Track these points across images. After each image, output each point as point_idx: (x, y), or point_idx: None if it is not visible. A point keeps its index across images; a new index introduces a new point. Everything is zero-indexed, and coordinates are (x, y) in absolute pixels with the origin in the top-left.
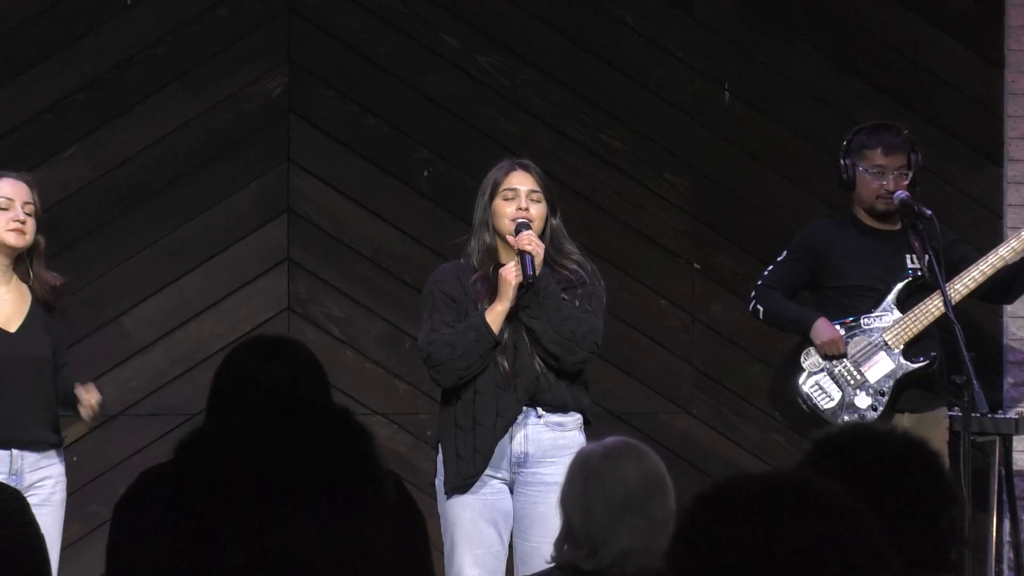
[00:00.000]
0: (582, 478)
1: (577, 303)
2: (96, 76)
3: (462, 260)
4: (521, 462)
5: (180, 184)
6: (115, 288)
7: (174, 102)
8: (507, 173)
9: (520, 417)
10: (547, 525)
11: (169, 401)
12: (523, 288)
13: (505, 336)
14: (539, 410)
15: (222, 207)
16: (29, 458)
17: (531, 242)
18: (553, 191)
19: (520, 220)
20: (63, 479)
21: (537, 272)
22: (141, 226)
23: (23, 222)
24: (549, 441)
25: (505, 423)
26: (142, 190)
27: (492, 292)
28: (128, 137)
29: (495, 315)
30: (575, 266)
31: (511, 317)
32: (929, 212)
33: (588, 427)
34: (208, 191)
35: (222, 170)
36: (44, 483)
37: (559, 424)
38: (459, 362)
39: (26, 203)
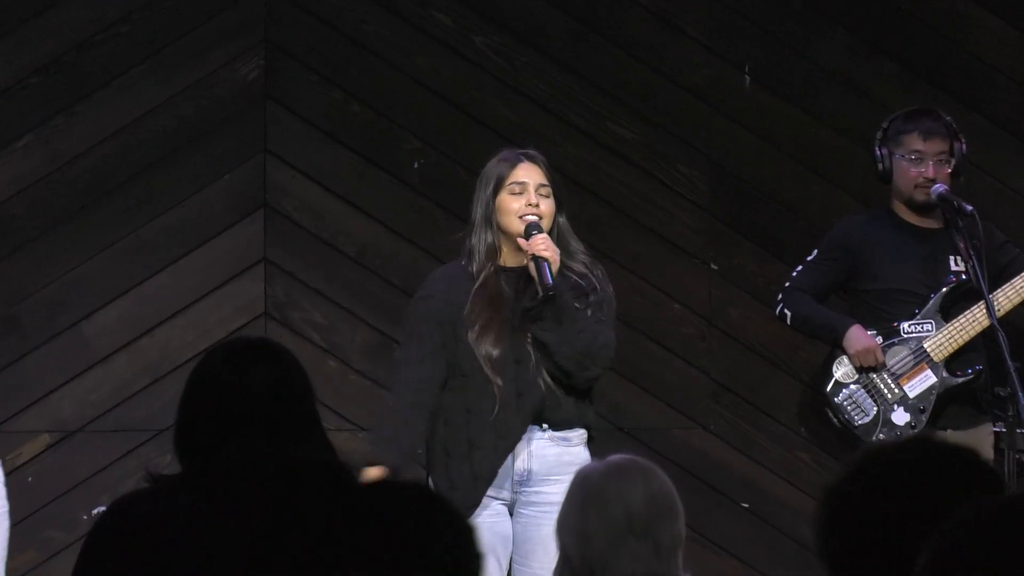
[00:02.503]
0: (580, 499)
1: (589, 312)
2: (52, 58)
3: (463, 261)
4: (524, 481)
5: (145, 177)
6: (74, 292)
7: (138, 87)
8: (514, 165)
9: (523, 434)
10: (551, 549)
11: (134, 415)
12: (542, 299)
13: (498, 354)
14: (543, 425)
15: (192, 203)
16: None
17: (547, 246)
18: (561, 186)
19: (530, 221)
20: None
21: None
22: (102, 224)
23: None
24: (554, 457)
25: (508, 445)
26: (103, 184)
27: (488, 305)
28: (88, 126)
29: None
30: (584, 269)
31: (516, 330)
32: (970, 208)
33: (592, 443)
34: (176, 185)
35: (192, 162)
36: None
37: (564, 439)
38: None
39: None
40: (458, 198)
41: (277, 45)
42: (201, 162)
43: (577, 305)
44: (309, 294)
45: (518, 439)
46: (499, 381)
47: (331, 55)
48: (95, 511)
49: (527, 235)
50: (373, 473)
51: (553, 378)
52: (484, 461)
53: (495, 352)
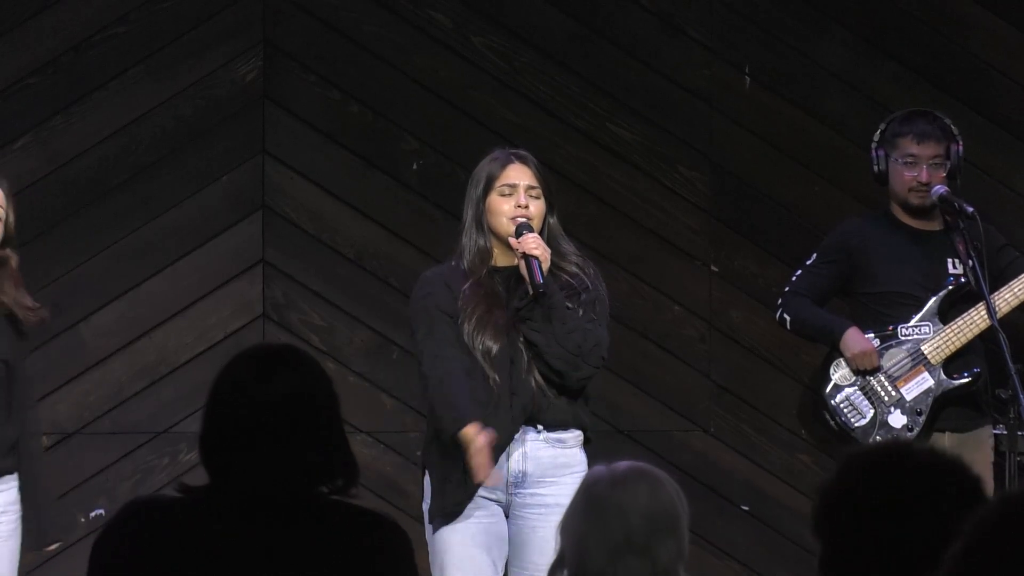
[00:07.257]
0: (583, 506)
1: (580, 311)
2: (50, 59)
3: (453, 262)
4: (519, 482)
5: (143, 178)
6: (71, 293)
7: (137, 87)
8: (503, 166)
9: (517, 434)
10: (546, 551)
11: (131, 418)
12: (532, 297)
13: (496, 349)
14: (538, 426)
15: (190, 203)
16: None
17: (538, 245)
18: (552, 186)
19: (520, 221)
20: (11, 508)
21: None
22: (100, 225)
23: None
24: (549, 459)
25: (500, 444)
26: (101, 185)
27: (484, 300)
28: (86, 126)
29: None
30: (576, 269)
31: (509, 328)
32: (971, 210)
33: (588, 445)
34: (174, 186)
35: (190, 163)
36: None
37: (559, 440)
38: (440, 416)
39: None
40: (457, 199)
41: (275, 45)
42: (199, 163)
43: (569, 305)
44: (307, 296)
45: (510, 439)
46: (496, 377)
47: (329, 55)
48: (92, 514)
49: (518, 234)
50: (477, 436)
51: (545, 379)
52: None
53: (494, 347)
